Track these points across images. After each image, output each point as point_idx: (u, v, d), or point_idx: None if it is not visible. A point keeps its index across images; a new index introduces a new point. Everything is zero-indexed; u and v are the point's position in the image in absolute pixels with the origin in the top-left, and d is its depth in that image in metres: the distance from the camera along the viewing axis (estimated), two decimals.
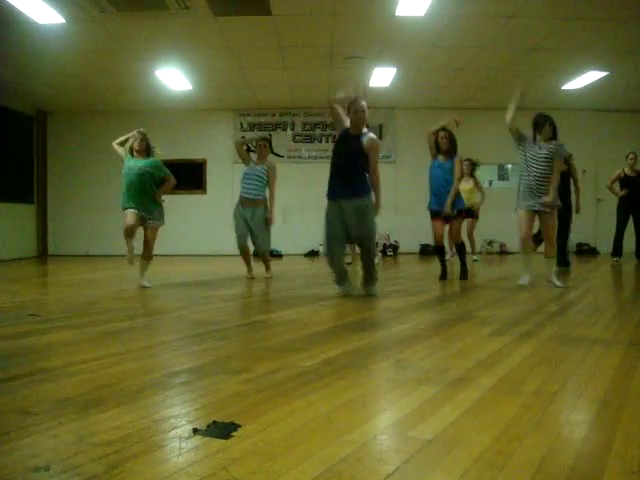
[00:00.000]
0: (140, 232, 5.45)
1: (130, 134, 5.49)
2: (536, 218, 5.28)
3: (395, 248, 10.55)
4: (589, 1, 5.78)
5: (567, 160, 6.61)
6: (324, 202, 4.75)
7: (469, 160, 8.13)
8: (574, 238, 10.27)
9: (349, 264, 6.72)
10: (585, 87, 9.07)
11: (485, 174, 11.67)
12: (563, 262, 6.95)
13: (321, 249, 9.04)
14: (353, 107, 4.62)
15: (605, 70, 8.21)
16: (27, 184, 10.53)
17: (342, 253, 4.81)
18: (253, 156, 6.48)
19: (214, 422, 1.66)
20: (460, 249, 6.16)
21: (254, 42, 7.12)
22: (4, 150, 9.62)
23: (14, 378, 2.18)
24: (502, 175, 11.73)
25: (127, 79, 8.69)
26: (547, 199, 5.04)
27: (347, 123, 4.71)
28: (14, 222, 9.99)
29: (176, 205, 10.81)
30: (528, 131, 5.22)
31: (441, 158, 5.99)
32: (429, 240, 8.32)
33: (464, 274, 6.04)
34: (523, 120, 5.26)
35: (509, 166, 11.35)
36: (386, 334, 3.13)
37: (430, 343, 2.95)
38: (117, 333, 3.20)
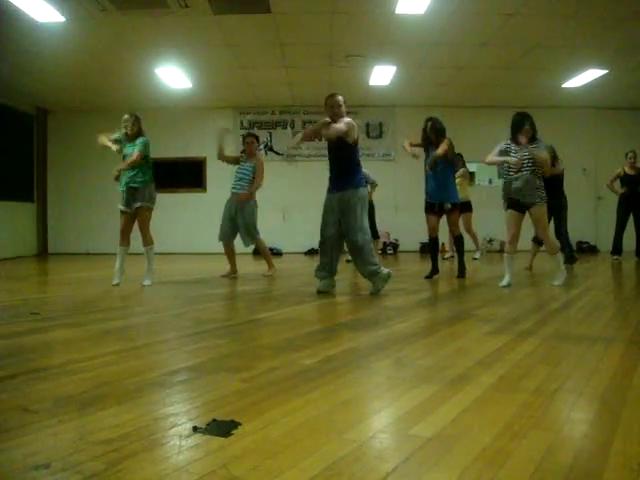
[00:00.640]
0: (137, 236, 5.45)
1: (110, 142, 5.33)
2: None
3: (395, 246, 10.55)
4: None
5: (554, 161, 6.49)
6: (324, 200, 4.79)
7: (459, 155, 8.02)
8: (574, 236, 10.30)
9: (349, 261, 6.72)
10: (585, 85, 9.07)
11: (485, 172, 11.68)
12: (571, 258, 6.97)
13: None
14: (329, 102, 4.65)
15: (605, 68, 8.21)
16: (27, 183, 10.53)
17: (336, 245, 4.75)
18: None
19: (214, 420, 1.66)
20: (459, 242, 6.12)
21: (254, 40, 7.11)
22: (4, 149, 9.61)
23: (14, 376, 2.18)
24: (502, 173, 11.70)
25: (127, 77, 8.69)
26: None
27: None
28: (14, 221, 9.99)
29: (176, 203, 10.87)
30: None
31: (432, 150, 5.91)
32: None
33: (462, 272, 5.98)
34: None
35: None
36: (386, 332, 3.13)
37: (430, 341, 2.95)
38: (117, 331, 3.20)
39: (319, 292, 4.71)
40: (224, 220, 6.26)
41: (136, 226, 5.40)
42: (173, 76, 8.55)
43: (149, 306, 4.45)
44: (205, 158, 10.95)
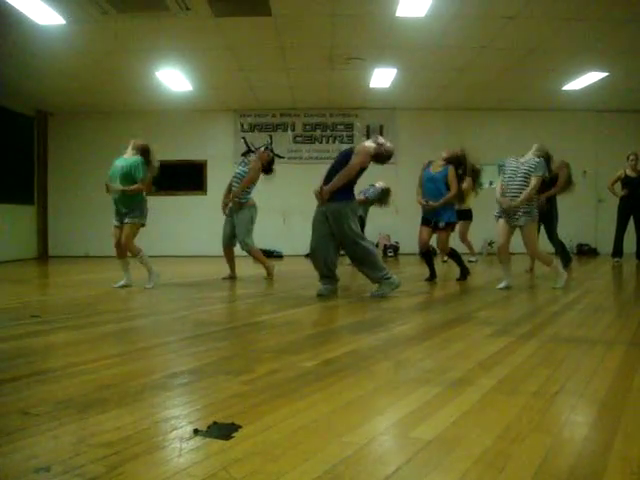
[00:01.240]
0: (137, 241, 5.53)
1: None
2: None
3: (396, 249, 10.55)
4: (589, 2, 5.78)
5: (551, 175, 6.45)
6: None
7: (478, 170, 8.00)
8: (574, 239, 10.29)
9: (350, 265, 6.72)
10: (585, 88, 9.07)
11: (485, 174, 11.64)
12: (567, 260, 6.97)
13: None
14: (387, 150, 4.79)
15: (605, 71, 8.21)
16: (27, 185, 10.53)
17: (325, 249, 4.76)
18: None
19: (215, 423, 1.66)
20: (451, 256, 6.14)
21: (255, 43, 7.12)
22: (4, 151, 9.62)
23: (15, 379, 2.18)
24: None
25: (128, 80, 8.70)
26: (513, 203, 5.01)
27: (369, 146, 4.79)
28: (14, 223, 9.99)
29: (177, 206, 10.87)
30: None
31: (433, 166, 5.96)
32: None
33: (463, 275, 6.01)
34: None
35: None
36: (386, 335, 3.13)
37: (430, 344, 2.95)
38: (118, 334, 3.20)
39: (319, 296, 4.72)
40: (225, 224, 6.33)
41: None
42: (174, 79, 8.55)
43: (149, 309, 4.45)
44: (206, 161, 10.96)
